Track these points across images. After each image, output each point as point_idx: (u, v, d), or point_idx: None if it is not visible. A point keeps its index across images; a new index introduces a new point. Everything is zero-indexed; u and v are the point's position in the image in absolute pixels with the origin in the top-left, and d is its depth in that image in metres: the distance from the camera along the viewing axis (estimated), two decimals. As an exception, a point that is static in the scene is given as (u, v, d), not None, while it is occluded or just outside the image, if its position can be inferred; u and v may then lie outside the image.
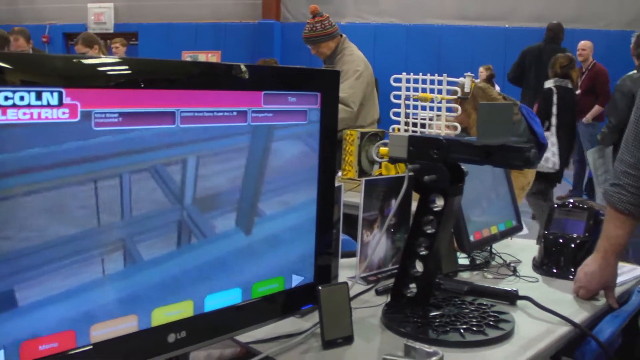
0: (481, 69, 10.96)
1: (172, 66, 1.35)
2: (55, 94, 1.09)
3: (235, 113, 1.38)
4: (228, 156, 1.39)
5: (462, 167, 1.70)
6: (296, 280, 1.59)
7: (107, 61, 1.24)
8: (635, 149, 1.94)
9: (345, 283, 1.64)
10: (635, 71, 5.12)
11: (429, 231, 1.71)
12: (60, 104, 1.09)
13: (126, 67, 1.23)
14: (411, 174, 1.69)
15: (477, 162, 1.60)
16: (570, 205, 2.32)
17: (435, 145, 1.64)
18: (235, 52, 13.57)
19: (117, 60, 1.26)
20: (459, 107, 3.32)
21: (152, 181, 1.25)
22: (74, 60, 1.16)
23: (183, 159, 1.30)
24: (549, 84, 6.06)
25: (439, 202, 1.68)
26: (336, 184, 1.89)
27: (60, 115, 1.10)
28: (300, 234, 1.57)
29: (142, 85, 1.22)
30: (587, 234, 2.22)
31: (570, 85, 6.03)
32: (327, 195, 1.61)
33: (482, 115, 1.55)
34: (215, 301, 1.41)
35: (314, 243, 1.60)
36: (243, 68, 1.40)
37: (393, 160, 1.75)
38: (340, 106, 4.46)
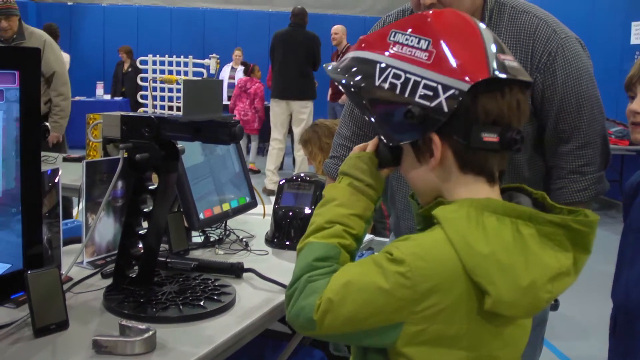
0: (236, 51, 11.18)
1: None
2: None
3: None
4: None
5: (179, 144, 1.72)
6: (2, 268, 1.52)
7: None
8: (351, 123, 2.08)
9: (56, 268, 1.59)
10: None
11: (145, 210, 1.71)
12: None
13: None
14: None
15: (188, 138, 1.63)
16: (299, 179, 2.44)
17: (146, 123, 1.64)
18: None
19: None
20: None
21: None
22: None
23: None
24: None
25: (154, 180, 1.68)
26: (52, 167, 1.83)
27: None
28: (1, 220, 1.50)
29: None
30: (314, 207, 2.34)
31: None
32: (32, 179, 1.55)
33: (187, 91, 1.57)
34: None
35: (21, 229, 1.54)
36: None
37: (107, 141, 1.72)
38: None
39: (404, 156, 1.30)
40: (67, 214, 2.58)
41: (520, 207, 1.20)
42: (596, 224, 1.19)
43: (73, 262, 1.76)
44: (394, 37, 1.25)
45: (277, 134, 8.11)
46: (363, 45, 1.31)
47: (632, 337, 1.74)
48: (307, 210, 2.34)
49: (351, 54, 1.32)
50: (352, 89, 1.29)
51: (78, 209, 2.56)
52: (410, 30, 1.24)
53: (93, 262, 2.00)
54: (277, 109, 8.01)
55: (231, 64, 11.17)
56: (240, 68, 10.64)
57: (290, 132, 8.49)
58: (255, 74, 9.90)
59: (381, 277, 1.15)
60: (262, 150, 11.49)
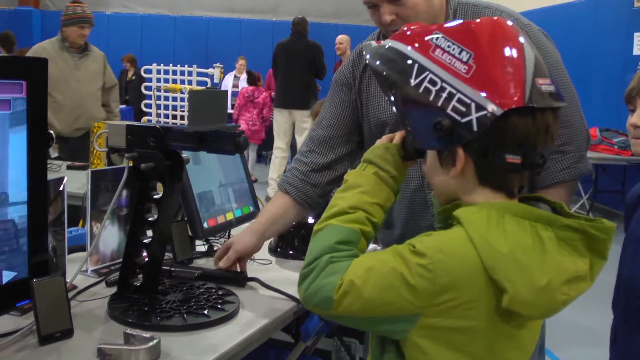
0: (240, 60, 11.21)
1: None
2: None
3: None
4: None
5: (184, 154, 1.73)
6: (8, 276, 1.53)
7: None
8: (310, 142, 2.07)
9: (61, 276, 1.60)
10: None
11: (150, 219, 1.72)
12: None
13: None
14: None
15: (193, 148, 1.64)
16: (302, 189, 2.44)
17: (151, 133, 1.65)
18: (-12, 41, 12.59)
19: None
20: None
21: None
22: None
23: None
24: None
25: (159, 190, 1.69)
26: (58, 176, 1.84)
27: None
28: (8, 230, 1.51)
29: None
30: (317, 218, 2.35)
31: None
32: (39, 188, 1.56)
33: (193, 101, 1.58)
34: None
35: (27, 238, 1.55)
36: None
37: (112, 150, 1.73)
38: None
39: (427, 155, 1.32)
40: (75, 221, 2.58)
41: (540, 211, 1.22)
42: (613, 231, 1.21)
43: (78, 270, 1.77)
44: (437, 40, 1.24)
45: (280, 142, 8.14)
46: (407, 37, 1.30)
47: (633, 347, 1.74)
48: (310, 220, 2.35)
49: (390, 42, 1.31)
50: (388, 80, 1.29)
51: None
52: (453, 37, 1.23)
53: (97, 271, 2.01)
54: (280, 118, 8.05)
55: (234, 72, 11.20)
56: (244, 77, 10.67)
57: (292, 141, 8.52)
58: (261, 83, 9.94)
59: (404, 267, 1.18)
60: (265, 159, 11.50)
